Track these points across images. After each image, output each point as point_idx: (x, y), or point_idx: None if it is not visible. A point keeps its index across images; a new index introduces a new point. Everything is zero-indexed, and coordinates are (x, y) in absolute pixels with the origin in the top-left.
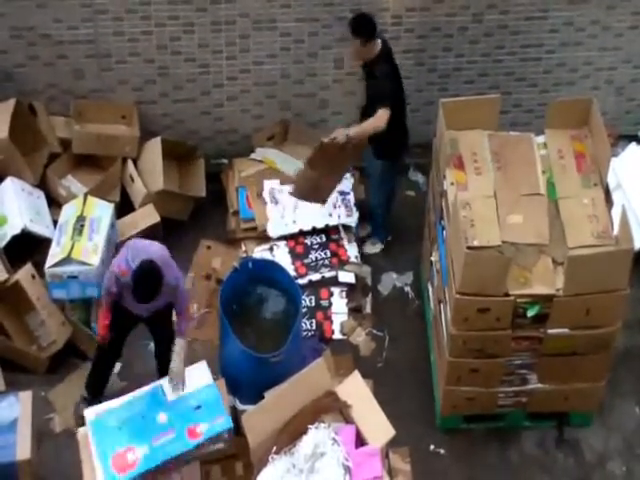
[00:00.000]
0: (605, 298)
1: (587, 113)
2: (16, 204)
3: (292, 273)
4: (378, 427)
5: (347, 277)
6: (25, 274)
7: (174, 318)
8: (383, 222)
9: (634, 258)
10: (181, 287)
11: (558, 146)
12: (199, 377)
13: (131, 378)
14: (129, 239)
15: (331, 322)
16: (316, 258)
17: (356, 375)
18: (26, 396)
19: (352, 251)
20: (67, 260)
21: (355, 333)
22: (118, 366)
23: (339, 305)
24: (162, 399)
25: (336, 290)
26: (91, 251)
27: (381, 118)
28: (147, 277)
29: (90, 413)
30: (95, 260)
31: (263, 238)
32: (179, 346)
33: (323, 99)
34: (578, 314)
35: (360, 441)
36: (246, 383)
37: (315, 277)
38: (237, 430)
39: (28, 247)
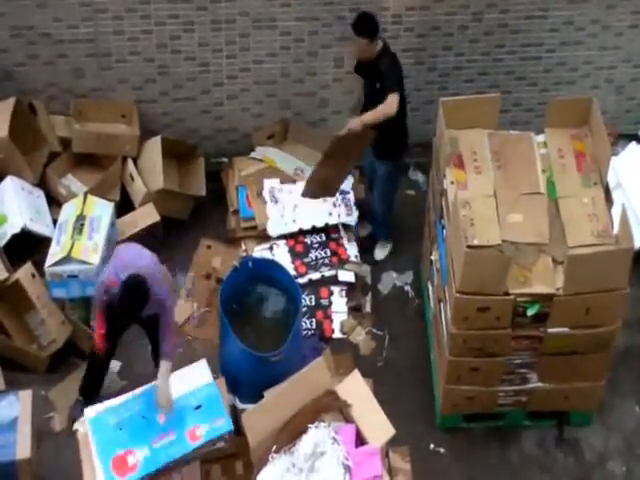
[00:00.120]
0: (605, 297)
1: (587, 112)
2: (16, 203)
3: (292, 272)
4: (378, 426)
5: (347, 276)
6: (25, 273)
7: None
8: (386, 222)
9: (634, 257)
10: (168, 304)
11: (558, 145)
12: (199, 376)
13: (131, 378)
14: (124, 241)
15: (331, 321)
16: (316, 257)
17: (356, 374)
18: (26, 395)
19: (352, 250)
20: (67, 259)
21: (355, 332)
22: (118, 366)
23: (339, 304)
24: None
25: (336, 289)
26: (91, 250)
27: (391, 104)
28: (133, 292)
29: (90, 411)
30: (95, 259)
31: (263, 237)
32: (164, 368)
33: (323, 98)
34: (578, 313)
35: (360, 440)
36: (246, 382)
37: (315, 276)
38: (237, 429)
39: (28, 246)
